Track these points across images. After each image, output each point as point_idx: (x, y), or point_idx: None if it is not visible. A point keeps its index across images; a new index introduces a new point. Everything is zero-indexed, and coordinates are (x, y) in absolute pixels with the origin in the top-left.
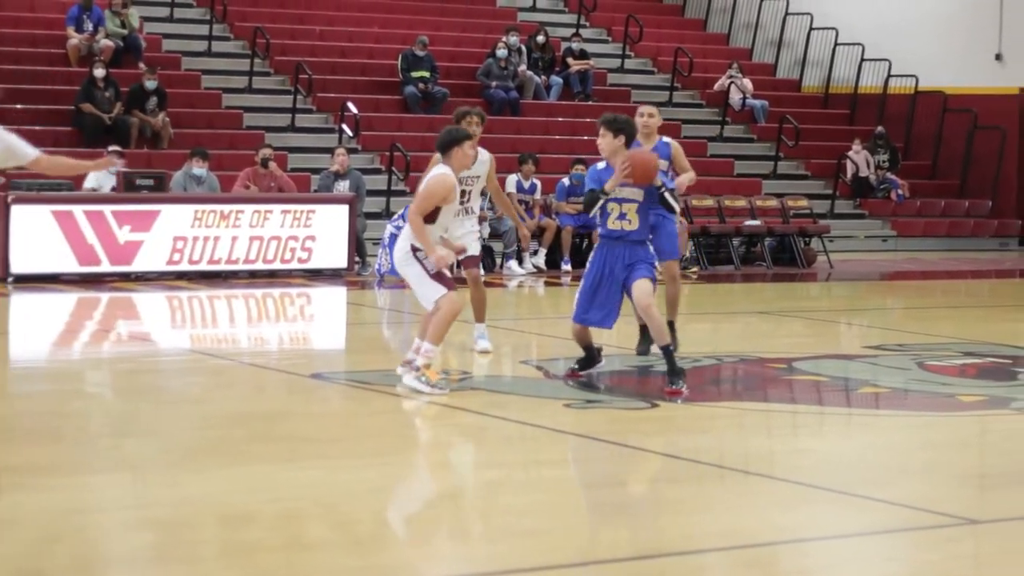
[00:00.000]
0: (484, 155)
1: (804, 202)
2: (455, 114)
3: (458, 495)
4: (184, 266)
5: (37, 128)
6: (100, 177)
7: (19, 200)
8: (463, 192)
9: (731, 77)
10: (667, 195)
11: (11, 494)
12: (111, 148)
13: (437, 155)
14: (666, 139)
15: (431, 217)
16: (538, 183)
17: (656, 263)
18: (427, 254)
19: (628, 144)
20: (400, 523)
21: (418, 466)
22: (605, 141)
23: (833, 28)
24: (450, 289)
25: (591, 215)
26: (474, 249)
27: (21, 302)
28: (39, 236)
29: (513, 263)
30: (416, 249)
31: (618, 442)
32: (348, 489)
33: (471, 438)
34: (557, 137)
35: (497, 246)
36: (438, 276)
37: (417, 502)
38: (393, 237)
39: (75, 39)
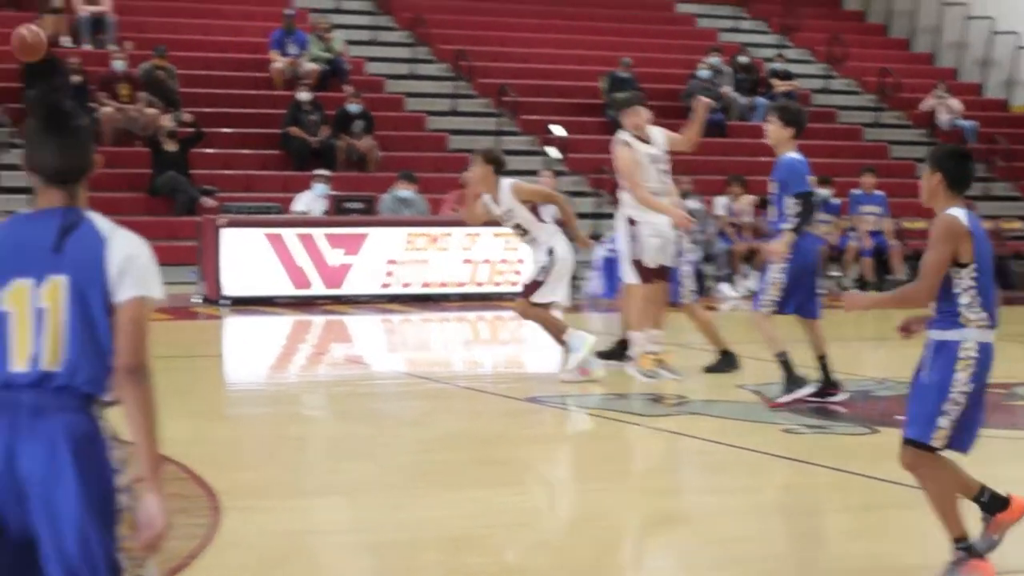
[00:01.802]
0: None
1: (1018, 224)
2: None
3: (677, 521)
4: (396, 289)
5: (245, 152)
6: (310, 200)
7: (231, 223)
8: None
9: (938, 97)
10: None
11: (234, 516)
12: (317, 172)
13: None
14: None
15: None
16: (747, 205)
17: None
18: None
19: (797, 136)
20: (619, 551)
21: (636, 492)
22: (773, 128)
23: None
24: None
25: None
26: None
27: (235, 325)
28: (251, 259)
29: (725, 286)
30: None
31: (839, 468)
32: (566, 515)
33: (689, 463)
34: (764, 159)
35: (708, 268)
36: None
37: (636, 529)
38: (607, 261)
39: (279, 63)
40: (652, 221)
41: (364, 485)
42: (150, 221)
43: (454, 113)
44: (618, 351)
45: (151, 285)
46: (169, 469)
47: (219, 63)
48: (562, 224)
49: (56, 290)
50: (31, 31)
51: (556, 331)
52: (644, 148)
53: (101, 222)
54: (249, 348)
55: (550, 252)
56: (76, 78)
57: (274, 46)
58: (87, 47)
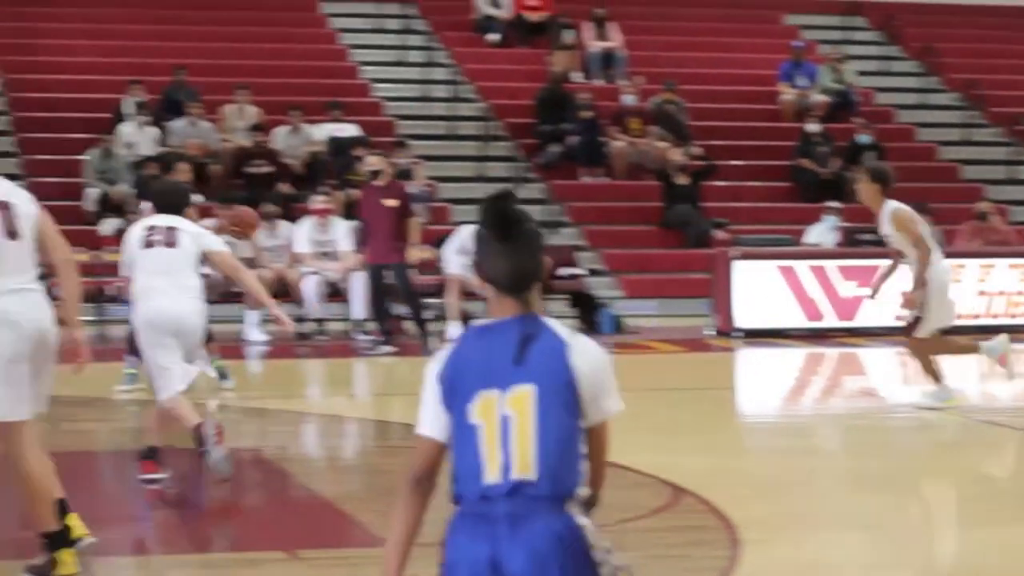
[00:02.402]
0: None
1: None
2: None
3: None
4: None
5: (755, 184)
6: (821, 232)
7: (744, 256)
8: None
9: None
10: None
11: (752, 549)
12: (828, 203)
13: None
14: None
15: None
16: None
17: None
18: None
19: None
20: None
21: None
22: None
23: None
24: None
25: None
26: None
27: (748, 357)
28: (764, 291)
29: None
30: None
31: None
32: None
33: None
34: None
35: None
36: None
37: None
38: None
39: (788, 95)
40: None
41: (881, 519)
42: (662, 254)
43: (966, 143)
44: None
45: (614, 400)
46: (687, 501)
47: (728, 96)
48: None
49: (523, 399)
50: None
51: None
52: None
53: (559, 328)
54: (762, 381)
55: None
56: (587, 113)
57: (783, 78)
58: (598, 82)
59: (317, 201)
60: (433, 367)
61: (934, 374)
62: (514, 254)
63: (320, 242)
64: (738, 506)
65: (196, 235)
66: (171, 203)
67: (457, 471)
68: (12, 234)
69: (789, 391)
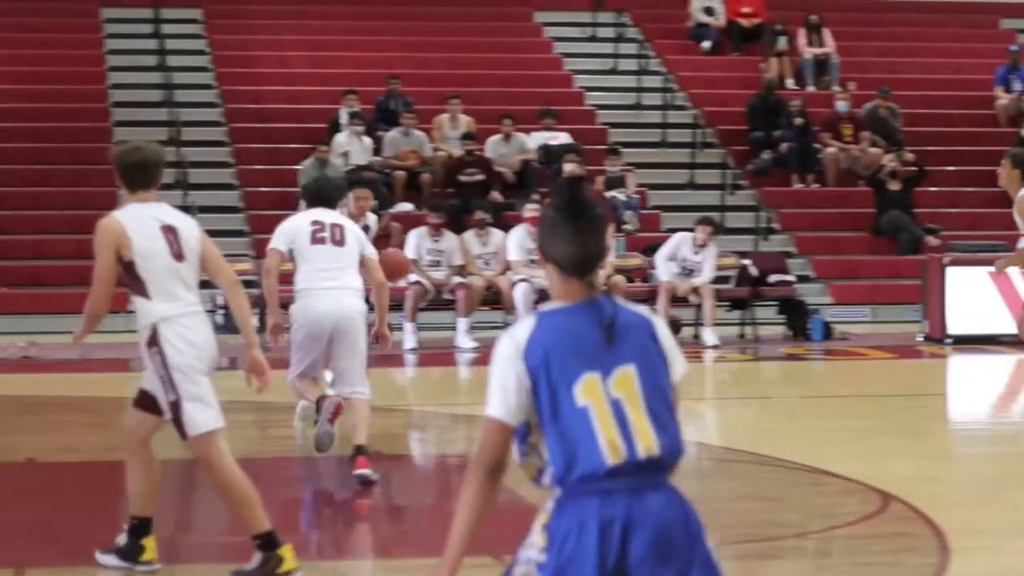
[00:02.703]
0: None
1: None
2: None
3: None
4: None
5: (969, 190)
6: None
7: (956, 262)
8: None
9: None
10: None
11: (961, 556)
12: None
13: None
14: None
15: None
16: None
17: None
18: None
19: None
20: None
21: None
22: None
23: None
24: None
25: None
26: None
27: (959, 364)
28: (976, 298)
29: None
30: None
31: None
32: None
33: None
34: None
35: None
36: None
37: None
38: None
39: (1004, 99)
40: None
41: None
42: (872, 260)
43: None
44: None
45: (682, 362)
46: (896, 508)
47: (942, 101)
48: None
49: (627, 380)
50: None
51: None
52: None
53: (631, 305)
54: (972, 387)
55: None
56: (799, 119)
57: (999, 82)
58: (811, 89)
59: (529, 209)
60: (509, 349)
61: None
62: (583, 237)
63: (531, 249)
64: (947, 513)
65: (360, 236)
66: (326, 197)
67: (566, 454)
68: (179, 256)
69: (1000, 398)
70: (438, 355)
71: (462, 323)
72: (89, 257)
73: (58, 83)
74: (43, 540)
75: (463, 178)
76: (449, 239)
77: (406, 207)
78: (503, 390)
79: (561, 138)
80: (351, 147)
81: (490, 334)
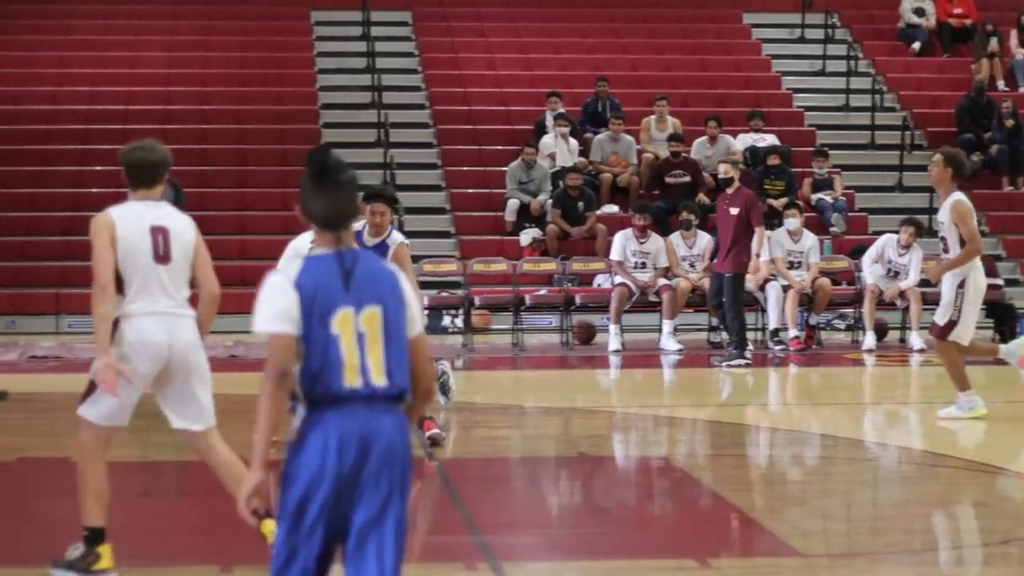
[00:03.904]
0: None
1: None
2: None
3: None
4: None
5: None
6: None
7: None
8: None
9: None
10: None
11: None
12: None
13: None
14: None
15: None
16: None
17: None
18: None
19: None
20: None
21: None
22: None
23: None
24: None
25: None
26: None
27: None
28: None
29: None
30: None
31: None
32: None
33: None
34: None
35: None
36: None
37: None
38: None
39: None
40: None
41: None
42: None
43: None
44: None
45: (421, 316)
46: None
47: None
48: None
49: (374, 318)
50: None
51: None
52: None
53: (377, 259)
54: None
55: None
56: (1010, 121)
57: None
58: (1022, 90)
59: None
60: (281, 280)
61: (962, 380)
62: (330, 199)
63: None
64: None
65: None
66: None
67: (314, 372)
68: (163, 258)
69: None
70: (642, 357)
71: (667, 325)
72: None
73: (268, 85)
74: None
75: (669, 180)
76: (655, 241)
77: (612, 209)
78: (282, 311)
79: (768, 140)
80: (557, 149)
81: (695, 336)
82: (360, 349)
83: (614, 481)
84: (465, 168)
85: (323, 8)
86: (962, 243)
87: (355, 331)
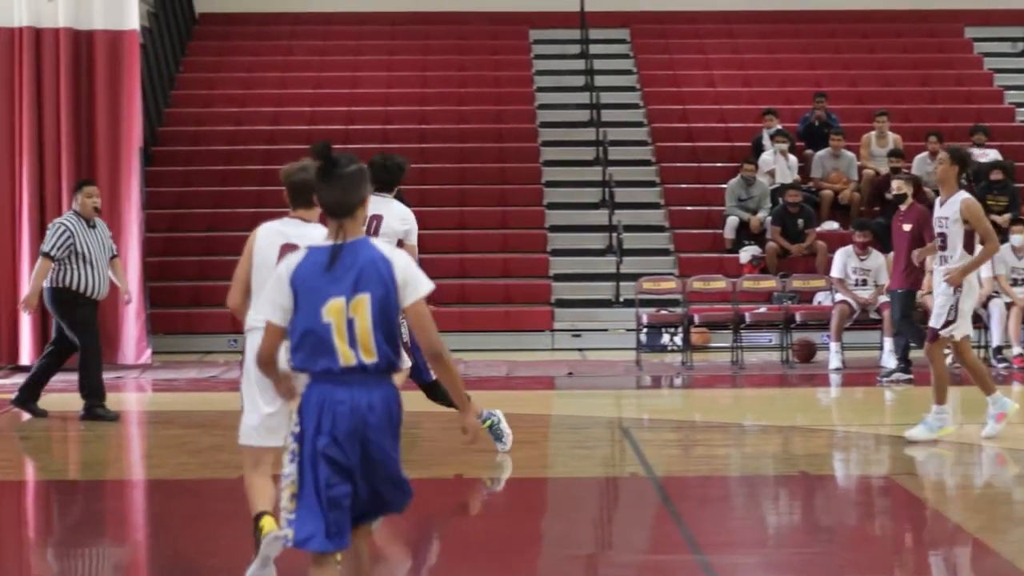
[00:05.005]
0: None
1: None
2: None
3: None
4: None
5: None
6: None
7: None
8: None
9: None
10: None
11: None
12: None
13: None
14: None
15: None
16: None
17: None
18: None
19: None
20: None
21: None
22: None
23: None
24: None
25: None
26: None
27: None
28: None
29: None
30: None
31: None
32: None
33: None
34: None
35: None
36: None
37: None
38: None
39: None
40: None
41: None
42: None
43: None
44: None
45: (422, 284)
46: None
47: None
48: None
49: (362, 304)
50: None
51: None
52: None
53: (377, 246)
54: None
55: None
56: None
57: None
58: None
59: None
60: (282, 272)
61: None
62: (334, 190)
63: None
64: None
65: None
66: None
67: (309, 353)
68: None
69: None
70: (863, 375)
71: (888, 343)
72: (512, 276)
73: (487, 104)
74: (472, 555)
75: (890, 196)
76: (875, 258)
77: (832, 226)
78: (278, 303)
79: (991, 155)
80: (776, 166)
81: (917, 354)
82: (350, 333)
83: (835, 501)
84: (684, 185)
85: (541, 26)
86: (966, 242)
87: (345, 318)
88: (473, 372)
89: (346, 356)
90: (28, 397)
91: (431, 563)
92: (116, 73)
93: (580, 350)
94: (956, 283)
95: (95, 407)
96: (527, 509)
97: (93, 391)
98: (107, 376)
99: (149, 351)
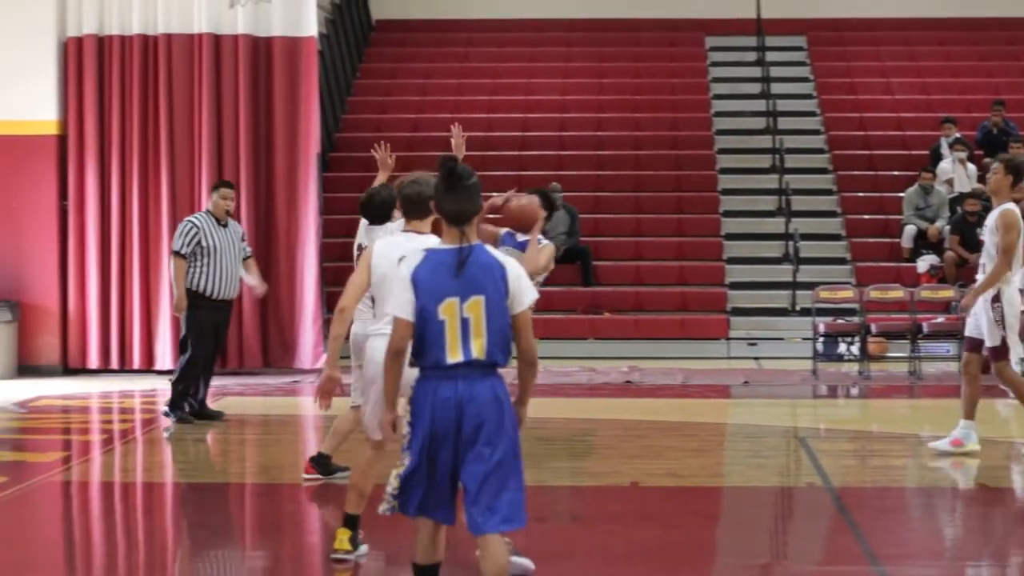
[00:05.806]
0: None
1: None
2: None
3: None
4: None
5: None
6: None
7: None
8: None
9: None
10: None
11: None
12: None
13: None
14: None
15: None
16: None
17: None
18: None
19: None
20: None
21: None
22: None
23: None
24: None
25: None
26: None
27: None
28: None
29: None
30: None
31: None
32: None
33: None
34: None
35: None
36: None
37: None
38: None
39: None
40: None
41: None
42: None
43: None
44: None
45: (528, 294)
46: None
47: None
48: None
49: (477, 305)
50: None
51: None
52: None
53: (493, 252)
54: None
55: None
56: None
57: None
58: None
59: None
60: (405, 273)
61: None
62: (457, 199)
63: None
64: None
65: None
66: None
67: (425, 348)
68: None
69: None
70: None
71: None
72: (688, 284)
73: (662, 111)
74: (647, 563)
75: None
76: None
77: None
78: (406, 300)
79: None
80: (955, 174)
81: None
82: (463, 331)
83: (1015, 515)
84: (861, 194)
85: (718, 33)
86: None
87: (459, 316)
88: (649, 380)
89: (456, 352)
90: (193, 404)
91: (606, 571)
92: (294, 79)
93: (756, 359)
94: (969, 305)
95: (173, 410)
96: (702, 518)
97: (176, 398)
98: (285, 380)
99: (325, 355)
